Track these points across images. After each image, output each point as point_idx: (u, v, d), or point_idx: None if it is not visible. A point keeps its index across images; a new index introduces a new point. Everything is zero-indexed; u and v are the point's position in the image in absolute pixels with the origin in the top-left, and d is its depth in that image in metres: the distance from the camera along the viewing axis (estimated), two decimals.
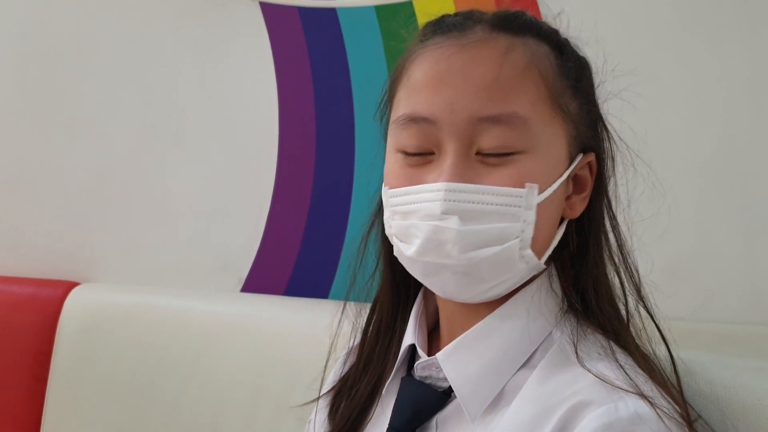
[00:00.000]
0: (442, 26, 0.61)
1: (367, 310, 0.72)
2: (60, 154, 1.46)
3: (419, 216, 0.56)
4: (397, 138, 0.59)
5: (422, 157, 0.58)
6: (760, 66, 1.01)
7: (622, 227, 0.64)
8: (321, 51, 1.29)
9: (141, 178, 1.41)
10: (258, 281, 1.33)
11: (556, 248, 0.61)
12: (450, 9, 1.08)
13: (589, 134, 0.61)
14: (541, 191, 0.56)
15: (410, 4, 1.20)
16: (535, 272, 0.59)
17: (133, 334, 1.22)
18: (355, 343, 0.73)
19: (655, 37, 1.07)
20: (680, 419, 0.51)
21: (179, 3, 1.38)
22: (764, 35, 1.01)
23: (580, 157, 0.61)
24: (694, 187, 1.04)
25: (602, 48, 0.66)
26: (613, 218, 0.64)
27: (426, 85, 0.58)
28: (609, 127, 0.65)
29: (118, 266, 1.42)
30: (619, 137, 0.65)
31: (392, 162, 0.60)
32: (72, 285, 1.35)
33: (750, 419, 0.59)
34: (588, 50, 0.66)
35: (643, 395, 0.51)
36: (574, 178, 0.61)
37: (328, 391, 0.72)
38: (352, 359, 0.72)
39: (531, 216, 0.55)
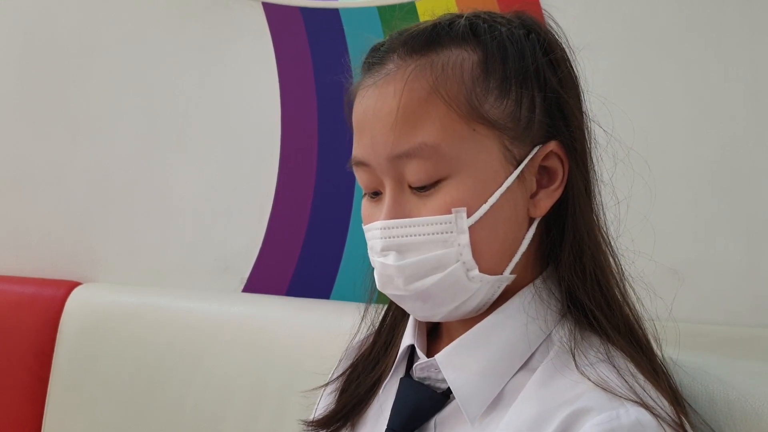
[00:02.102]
0: (368, 63, 0.61)
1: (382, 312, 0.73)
2: (62, 155, 1.46)
3: (374, 252, 0.60)
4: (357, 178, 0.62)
5: (377, 196, 0.60)
6: (762, 68, 1.01)
7: (617, 230, 0.62)
8: (323, 52, 1.29)
9: (143, 178, 1.41)
10: (260, 281, 1.33)
11: (550, 247, 0.60)
12: (452, 9, 1.08)
13: (546, 123, 0.58)
14: (473, 210, 0.56)
15: (413, 4, 1.20)
16: (506, 283, 0.59)
17: (134, 334, 1.22)
18: (369, 335, 0.73)
19: (657, 39, 1.07)
20: (678, 426, 0.51)
21: (182, 4, 1.38)
22: (766, 37, 1.00)
23: (536, 150, 0.58)
24: (695, 189, 1.04)
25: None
26: (593, 202, 0.61)
27: (356, 129, 0.60)
28: (585, 109, 0.61)
29: (120, 266, 1.42)
30: (612, 135, 0.64)
31: (362, 199, 0.63)
32: (74, 285, 1.35)
33: (752, 422, 0.59)
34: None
35: (642, 402, 0.51)
36: (543, 171, 0.59)
37: (338, 377, 0.72)
38: (364, 350, 0.73)
39: (464, 239, 0.55)
